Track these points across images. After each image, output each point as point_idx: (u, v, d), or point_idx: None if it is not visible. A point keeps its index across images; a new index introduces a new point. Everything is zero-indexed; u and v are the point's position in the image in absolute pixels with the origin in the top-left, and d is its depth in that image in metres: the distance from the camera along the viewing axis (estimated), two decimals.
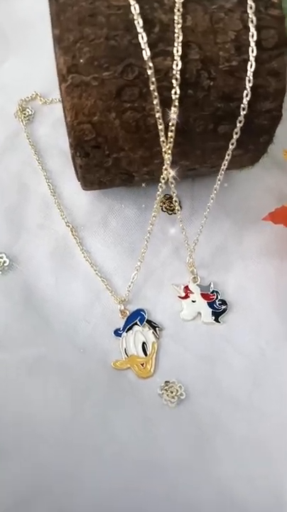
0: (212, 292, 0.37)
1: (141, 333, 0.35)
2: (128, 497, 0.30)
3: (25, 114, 0.43)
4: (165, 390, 0.33)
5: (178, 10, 0.27)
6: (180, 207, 0.40)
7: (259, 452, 0.32)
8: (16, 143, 0.42)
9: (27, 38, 0.48)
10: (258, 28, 0.28)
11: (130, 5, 0.26)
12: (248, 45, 0.28)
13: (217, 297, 0.37)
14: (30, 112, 0.44)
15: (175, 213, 0.39)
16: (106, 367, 0.34)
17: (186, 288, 0.37)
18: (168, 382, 0.34)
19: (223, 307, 0.36)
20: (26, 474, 0.30)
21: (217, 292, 0.37)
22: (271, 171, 0.41)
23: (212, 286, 0.37)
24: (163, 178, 0.32)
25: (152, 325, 0.36)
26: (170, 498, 0.31)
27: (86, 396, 0.33)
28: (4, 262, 0.37)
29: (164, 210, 0.40)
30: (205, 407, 0.33)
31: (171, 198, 0.40)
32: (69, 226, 0.39)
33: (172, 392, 0.33)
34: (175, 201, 0.34)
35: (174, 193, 0.33)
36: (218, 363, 0.35)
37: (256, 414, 0.33)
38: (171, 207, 0.40)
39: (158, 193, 0.33)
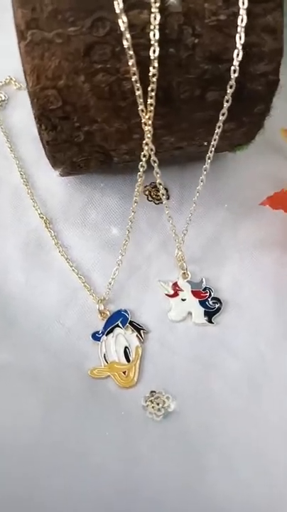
0: (204, 289, 0.33)
1: (123, 336, 0.31)
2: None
3: None
4: (151, 401, 0.29)
5: None
6: (168, 196, 0.36)
7: (260, 470, 0.28)
8: None
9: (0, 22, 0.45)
10: None
11: None
12: None
13: (209, 295, 0.32)
14: (3, 98, 0.40)
15: (161, 202, 0.35)
16: (82, 375, 0.30)
17: (175, 285, 0.33)
18: (154, 392, 0.29)
19: (216, 306, 0.32)
20: None
21: (209, 289, 0.33)
22: (266, 156, 0.37)
23: (204, 282, 0.33)
24: (144, 156, 0.28)
25: (136, 327, 0.31)
26: None
27: (58, 408, 0.29)
28: None
29: (150, 199, 0.36)
30: (196, 420, 0.29)
31: (157, 185, 0.36)
32: (42, 218, 0.35)
33: (158, 404, 0.29)
34: (160, 184, 0.30)
35: (157, 173, 0.29)
36: (211, 368, 0.30)
37: (255, 426, 0.29)
38: (158, 196, 0.36)
39: (139, 173, 0.29)
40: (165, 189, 0.36)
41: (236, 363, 0.30)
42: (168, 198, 0.36)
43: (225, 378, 0.30)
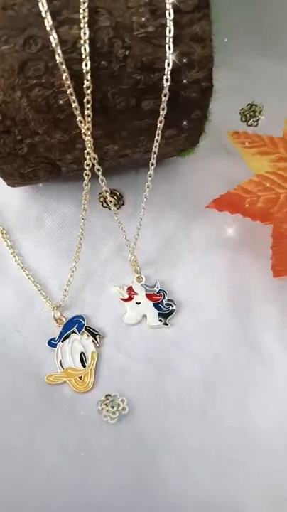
0: (159, 292, 0.33)
1: (78, 342, 0.32)
2: None
3: None
4: (105, 404, 0.29)
5: None
6: (123, 201, 0.37)
7: (215, 471, 0.28)
8: None
9: None
10: None
11: None
12: (165, 8, 0.25)
13: (163, 297, 0.33)
14: None
15: (118, 208, 0.36)
16: (38, 381, 0.30)
17: (129, 289, 0.33)
18: (109, 395, 0.30)
19: (171, 308, 0.33)
20: None
21: (163, 292, 0.33)
22: (219, 156, 0.38)
23: (158, 285, 0.33)
24: (87, 165, 0.28)
25: (92, 332, 0.32)
26: None
27: (14, 413, 0.29)
28: None
29: (104, 206, 0.37)
30: (151, 421, 0.29)
31: (113, 193, 0.37)
32: None
33: (113, 407, 0.29)
34: (106, 191, 0.31)
35: (103, 181, 0.30)
36: (166, 371, 0.31)
37: (210, 427, 0.29)
38: (111, 202, 0.36)
39: (85, 181, 0.29)
40: (121, 195, 0.37)
41: (191, 364, 0.31)
42: (123, 204, 0.37)
43: (180, 380, 0.31)
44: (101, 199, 0.37)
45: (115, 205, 0.36)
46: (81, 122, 0.26)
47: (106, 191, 0.31)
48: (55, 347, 0.31)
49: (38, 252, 0.35)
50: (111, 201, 0.31)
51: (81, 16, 0.24)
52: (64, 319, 0.32)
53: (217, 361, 0.31)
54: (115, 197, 0.36)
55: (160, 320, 0.32)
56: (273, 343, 0.32)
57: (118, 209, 0.36)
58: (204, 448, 0.29)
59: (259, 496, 0.27)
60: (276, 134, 0.35)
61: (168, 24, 0.25)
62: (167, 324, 0.32)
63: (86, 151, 0.28)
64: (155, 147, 0.29)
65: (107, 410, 0.29)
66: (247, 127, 0.36)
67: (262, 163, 0.34)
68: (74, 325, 0.32)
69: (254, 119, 0.35)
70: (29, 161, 0.29)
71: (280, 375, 0.31)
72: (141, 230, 0.33)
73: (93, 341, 0.32)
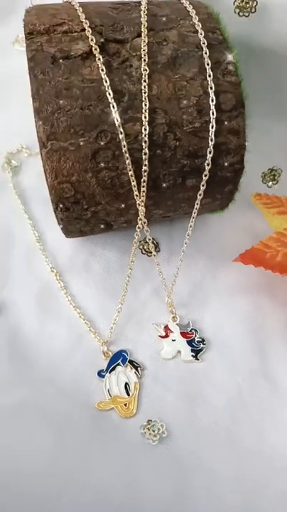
0: (191, 330, 0.39)
1: (123, 373, 0.37)
2: None
3: (11, 166, 0.46)
4: (147, 428, 0.35)
5: (144, 80, 0.30)
6: (159, 249, 0.43)
7: (239, 489, 0.33)
8: (2, 193, 0.45)
9: (11, 93, 0.52)
10: (217, 93, 0.31)
11: (102, 78, 0.30)
12: (209, 109, 0.31)
13: (195, 335, 0.38)
14: (16, 164, 0.46)
15: (153, 255, 0.42)
16: (89, 408, 0.36)
17: (166, 327, 0.39)
18: (150, 421, 0.35)
19: (201, 345, 0.38)
20: (12, 504, 0.31)
21: (195, 330, 0.39)
22: (242, 211, 0.43)
23: (190, 324, 0.39)
24: (139, 227, 0.34)
25: (134, 365, 0.37)
26: None
27: (69, 438, 0.34)
28: None
29: (143, 252, 0.42)
30: (185, 444, 0.34)
31: (149, 240, 0.42)
32: (53, 271, 0.41)
33: (154, 431, 0.35)
34: (154, 243, 0.36)
35: (149, 239, 0.36)
36: (197, 401, 0.36)
37: (236, 452, 0.34)
38: (149, 250, 0.42)
39: (135, 240, 0.35)
40: (157, 243, 0.43)
41: (219, 395, 0.36)
42: (159, 251, 0.43)
43: (209, 409, 0.36)
44: (141, 246, 0.42)
45: (152, 252, 0.42)
46: (136, 196, 0.32)
47: (149, 239, 0.36)
48: (104, 377, 0.37)
49: (86, 293, 0.40)
50: (154, 255, 0.37)
51: (143, 116, 0.30)
52: (110, 353, 0.38)
53: (240, 392, 0.37)
54: (153, 244, 0.42)
55: (193, 355, 0.38)
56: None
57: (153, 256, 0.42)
58: (229, 468, 0.34)
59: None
60: None
61: (211, 121, 0.31)
62: (198, 359, 0.38)
63: (139, 218, 0.33)
64: (194, 213, 0.35)
65: (149, 434, 0.34)
66: (267, 188, 0.42)
67: (281, 221, 0.39)
68: (119, 358, 0.37)
69: (274, 182, 0.41)
70: (90, 223, 0.35)
71: None
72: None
73: (135, 373, 0.37)
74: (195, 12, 0.33)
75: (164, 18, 0.32)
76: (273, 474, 0.34)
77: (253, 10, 0.39)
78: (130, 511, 0.32)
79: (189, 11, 0.33)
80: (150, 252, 0.42)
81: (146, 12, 0.32)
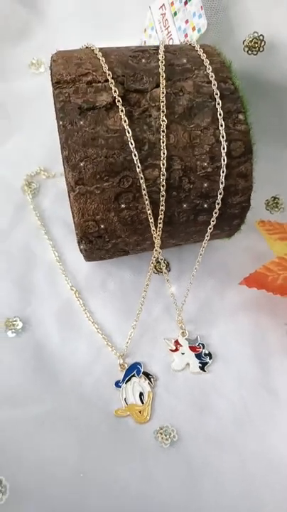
0: (199, 345, 0.43)
1: (138, 383, 0.41)
2: None
3: (31, 188, 0.49)
4: (160, 433, 0.39)
5: (163, 131, 0.33)
6: (169, 268, 0.46)
7: (244, 490, 0.37)
8: (23, 215, 0.48)
9: (28, 115, 0.54)
10: (228, 141, 0.34)
11: (124, 129, 0.33)
12: (221, 155, 0.34)
13: (202, 349, 0.43)
14: (35, 186, 0.50)
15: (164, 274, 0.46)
16: (108, 415, 0.40)
17: (176, 342, 0.43)
18: (163, 426, 0.39)
19: (208, 358, 0.42)
20: (41, 508, 0.35)
21: (202, 345, 0.43)
22: (247, 234, 0.47)
23: (198, 339, 0.43)
24: (154, 257, 0.38)
25: (147, 376, 0.42)
26: None
27: (92, 441, 0.38)
28: (17, 324, 0.42)
29: (155, 272, 0.46)
30: (194, 448, 0.39)
31: (161, 260, 0.46)
32: (73, 290, 0.44)
33: (166, 436, 0.39)
34: (165, 263, 0.40)
35: (162, 259, 0.39)
36: (205, 409, 0.40)
37: (240, 456, 0.38)
38: (161, 269, 0.46)
39: (150, 267, 0.39)
40: (168, 262, 0.46)
41: (224, 404, 0.40)
42: (169, 270, 0.46)
43: (215, 416, 0.40)
44: (153, 265, 0.46)
45: (163, 271, 0.46)
46: (153, 231, 0.36)
47: (161, 259, 0.40)
48: (120, 387, 0.41)
49: (103, 310, 0.44)
50: (167, 279, 0.41)
51: (161, 163, 0.33)
52: (126, 365, 0.42)
53: (243, 402, 0.41)
54: (165, 264, 0.46)
55: (200, 367, 0.42)
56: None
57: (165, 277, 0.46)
58: (234, 470, 0.38)
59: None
60: None
61: (222, 166, 0.34)
62: (205, 371, 0.42)
63: (155, 249, 0.37)
64: (205, 243, 0.38)
65: (162, 438, 0.39)
66: (270, 215, 0.45)
67: (282, 247, 0.43)
68: (134, 370, 0.42)
69: (276, 209, 0.45)
70: (110, 252, 0.38)
71: None
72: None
73: (149, 383, 0.41)
74: (208, 62, 0.35)
75: (180, 68, 0.35)
76: (276, 477, 0.38)
77: (261, 49, 0.42)
78: (146, 506, 0.37)
79: (203, 60, 0.36)
80: (162, 272, 0.46)
81: (164, 63, 0.35)
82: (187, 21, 0.41)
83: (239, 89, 0.35)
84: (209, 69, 0.35)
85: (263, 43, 0.42)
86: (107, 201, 0.34)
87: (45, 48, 0.48)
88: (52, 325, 0.43)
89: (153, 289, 0.45)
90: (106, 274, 0.46)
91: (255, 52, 0.42)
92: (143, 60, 0.36)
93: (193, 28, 0.41)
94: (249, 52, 0.42)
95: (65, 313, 0.44)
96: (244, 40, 0.42)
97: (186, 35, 0.42)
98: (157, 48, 0.37)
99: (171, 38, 0.42)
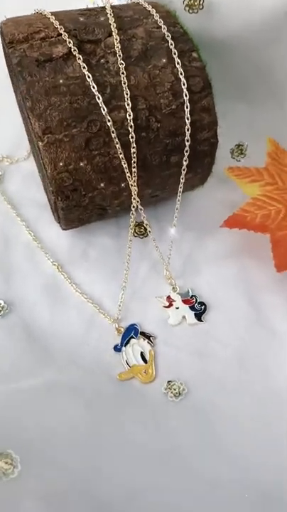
0: (191, 297, 0.42)
1: (137, 344, 0.40)
2: (150, 483, 0.33)
3: None
4: (169, 388, 0.38)
5: (122, 73, 0.34)
6: (150, 229, 0.46)
7: (254, 426, 0.36)
8: None
9: None
10: (186, 77, 0.35)
11: (85, 75, 0.33)
12: (182, 92, 0.35)
13: (196, 300, 0.42)
14: (0, 173, 0.49)
15: (145, 236, 0.45)
16: (112, 380, 0.38)
17: (168, 298, 0.42)
18: (170, 381, 0.38)
19: (203, 308, 0.42)
20: (55, 477, 0.33)
21: (195, 296, 0.42)
22: (218, 187, 0.48)
23: (190, 291, 0.43)
24: (133, 207, 0.38)
25: (146, 335, 0.40)
26: (188, 477, 0.34)
27: (99, 408, 0.36)
28: (3, 307, 0.40)
29: (135, 235, 0.46)
30: (203, 396, 0.38)
31: (140, 223, 0.46)
32: (54, 265, 0.43)
33: (175, 390, 0.38)
34: (147, 224, 0.40)
35: (144, 217, 0.39)
36: (208, 356, 0.40)
37: (247, 395, 0.38)
38: (141, 231, 0.46)
39: (131, 219, 0.38)
40: (147, 224, 0.46)
41: (225, 348, 0.40)
42: (150, 231, 0.46)
43: (218, 362, 0.39)
44: (133, 230, 0.46)
45: (143, 234, 0.45)
46: (129, 177, 0.36)
47: (147, 224, 0.40)
48: (120, 351, 0.39)
49: (89, 280, 0.43)
50: (149, 231, 0.41)
51: (125, 103, 0.34)
52: (122, 329, 0.41)
53: (243, 342, 0.40)
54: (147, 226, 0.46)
55: (197, 318, 0.41)
56: (281, 323, 0.42)
57: (145, 237, 0.45)
58: (243, 409, 0.37)
59: None
60: (260, 164, 0.45)
61: (185, 102, 0.35)
62: (202, 321, 0.41)
63: (133, 198, 0.37)
64: (180, 187, 0.38)
65: (171, 392, 0.37)
66: (237, 162, 0.47)
67: (254, 188, 0.44)
68: (131, 332, 0.40)
69: (242, 156, 0.46)
70: (87, 209, 0.38)
71: None
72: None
73: (148, 342, 0.40)
74: (154, 11, 0.37)
75: (129, 19, 0.36)
76: (283, 407, 0.37)
77: (201, 7, 0.44)
78: (165, 461, 0.35)
79: (149, 11, 0.37)
80: (142, 234, 0.46)
81: (113, 15, 0.36)
82: None
83: (187, 32, 0.37)
84: (157, 16, 0.36)
85: (202, 1, 0.44)
86: (78, 148, 0.33)
87: None
88: (40, 302, 0.41)
89: (135, 252, 0.45)
90: (85, 243, 0.45)
91: (196, 11, 0.44)
92: (92, 17, 0.36)
93: None
94: (190, 11, 0.44)
95: (50, 289, 0.42)
96: (184, 0, 0.44)
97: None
98: (103, 7, 0.38)
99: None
